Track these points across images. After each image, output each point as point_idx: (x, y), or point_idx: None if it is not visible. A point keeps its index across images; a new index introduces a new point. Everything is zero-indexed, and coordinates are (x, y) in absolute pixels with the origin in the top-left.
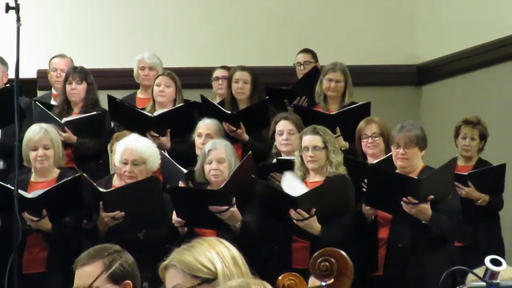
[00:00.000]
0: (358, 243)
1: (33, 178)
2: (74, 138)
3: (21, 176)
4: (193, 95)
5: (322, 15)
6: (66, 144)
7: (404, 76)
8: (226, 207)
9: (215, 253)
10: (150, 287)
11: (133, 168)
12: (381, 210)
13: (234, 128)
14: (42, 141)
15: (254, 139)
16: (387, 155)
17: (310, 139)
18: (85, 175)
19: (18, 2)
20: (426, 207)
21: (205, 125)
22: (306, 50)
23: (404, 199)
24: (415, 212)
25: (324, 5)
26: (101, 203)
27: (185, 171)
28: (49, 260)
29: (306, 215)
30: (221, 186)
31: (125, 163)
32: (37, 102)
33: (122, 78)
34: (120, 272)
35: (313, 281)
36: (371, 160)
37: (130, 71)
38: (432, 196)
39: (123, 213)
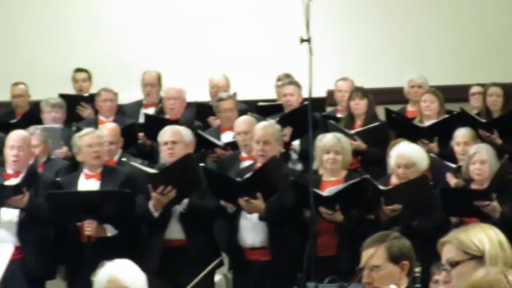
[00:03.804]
0: None
1: (324, 177)
2: (363, 146)
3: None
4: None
5: None
6: (356, 152)
7: None
8: (488, 202)
9: (485, 235)
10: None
11: (405, 171)
12: None
13: (489, 134)
14: (334, 147)
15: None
16: None
17: None
18: (368, 176)
19: (310, 35)
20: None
21: (462, 134)
22: None
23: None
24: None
25: None
26: (381, 198)
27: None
28: (339, 244)
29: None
30: (485, 186)
31: (399, 167)
32: (331, 121)
33: (393, 95)
34: (398, 253)
35: None
36: None
37: (400, 88)
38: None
39: (401, 206)
